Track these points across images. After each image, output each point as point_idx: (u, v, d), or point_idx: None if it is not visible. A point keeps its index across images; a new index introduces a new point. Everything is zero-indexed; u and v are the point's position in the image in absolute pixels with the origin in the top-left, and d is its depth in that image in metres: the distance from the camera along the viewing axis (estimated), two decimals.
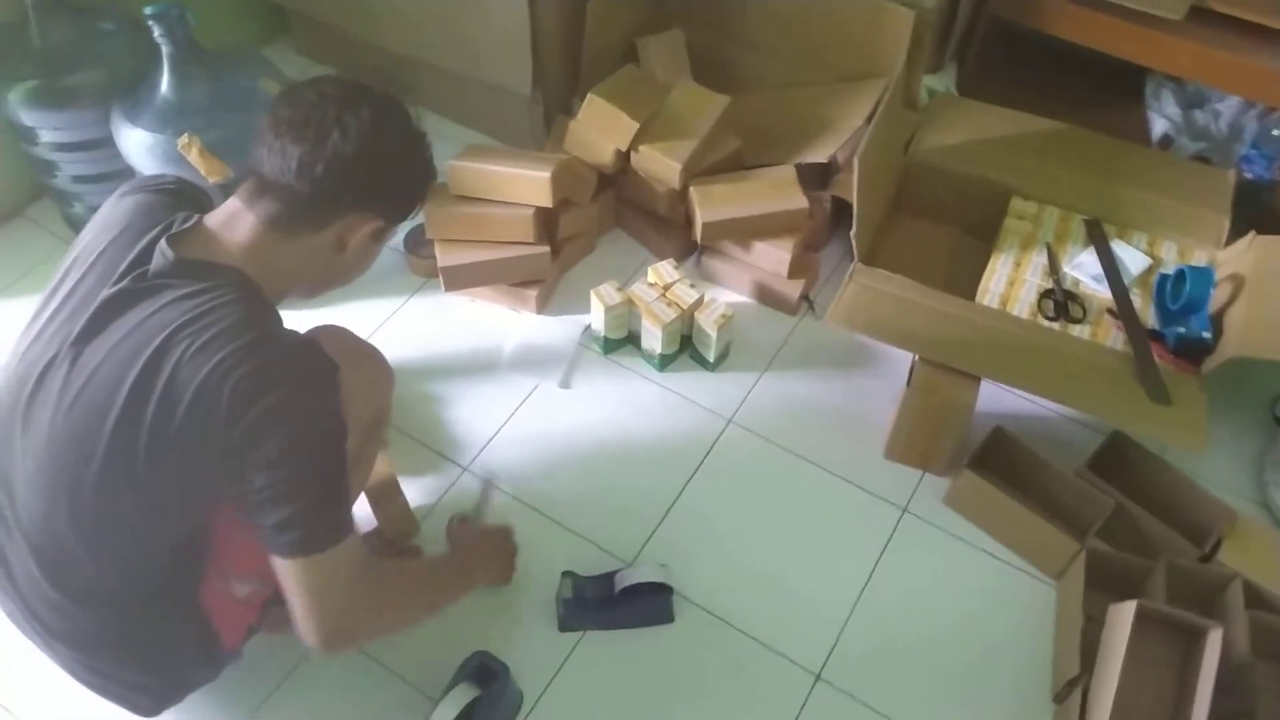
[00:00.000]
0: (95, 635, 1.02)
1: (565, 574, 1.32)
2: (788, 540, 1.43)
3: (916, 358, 1.41)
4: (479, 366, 1.61)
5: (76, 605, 0.99)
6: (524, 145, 1.91)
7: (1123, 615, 1.16)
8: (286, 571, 0.94)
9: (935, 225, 1.79)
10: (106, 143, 1.53)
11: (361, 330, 1.65)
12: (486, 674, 1.20)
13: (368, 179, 1.01)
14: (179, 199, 1.08)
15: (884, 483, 1.49)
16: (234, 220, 1.01)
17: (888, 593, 1.38)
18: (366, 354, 1.18)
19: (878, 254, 1.71)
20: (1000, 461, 1.45)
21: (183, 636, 1.05)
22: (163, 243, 0.95)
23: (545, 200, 1.55)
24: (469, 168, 1.56)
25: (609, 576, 1.32)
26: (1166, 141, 1.87)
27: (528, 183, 1.54)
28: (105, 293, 0.94)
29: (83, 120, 1.53)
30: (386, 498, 1.37)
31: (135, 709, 1.09)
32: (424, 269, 1.71)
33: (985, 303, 1.52)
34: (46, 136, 1.55)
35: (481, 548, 1.33)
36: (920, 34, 1.72)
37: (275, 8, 2.09)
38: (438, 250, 1.60)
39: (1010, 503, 1.36)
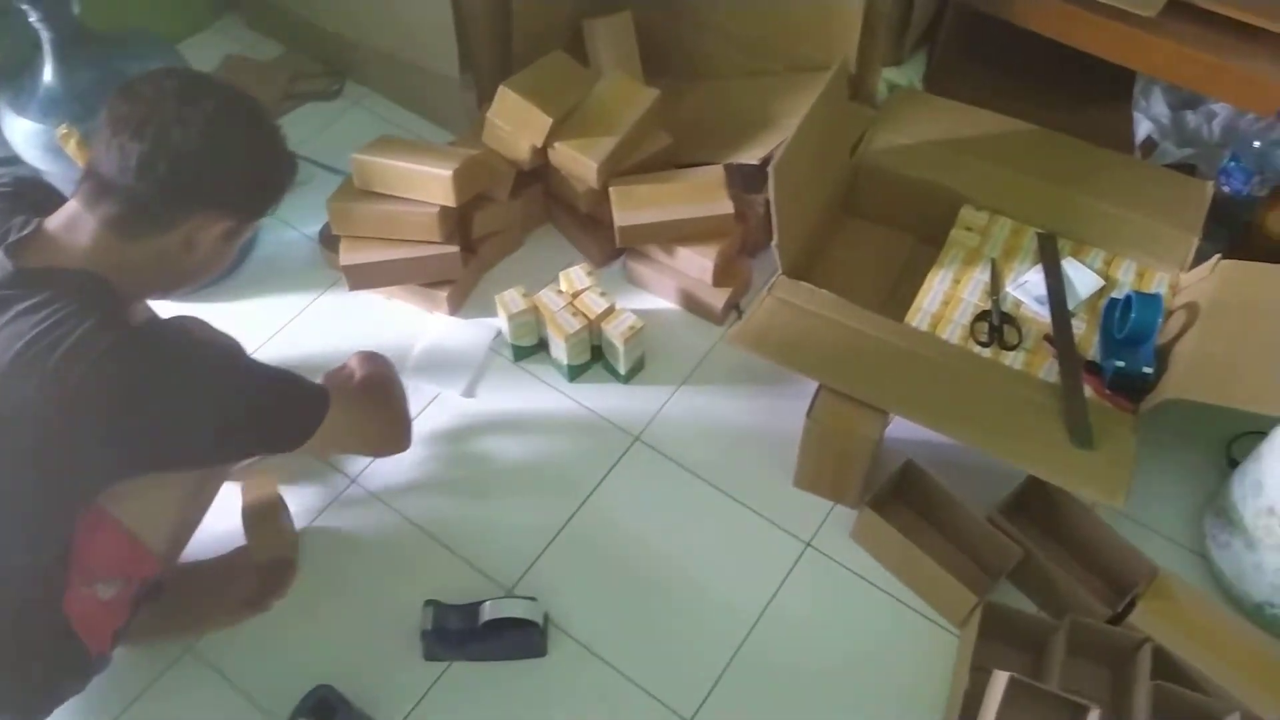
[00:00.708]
0: None
1: (428, 603, 1.26)
2: (682, 572, 1.35)
3: (820, 385, 1.31)
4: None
5: None
6: (458, 129, 1.82)
7: (996, 684, 1.06)
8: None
9: (888, 231, 1.67)
10: None
11: (271, 325, 1.61)
12: (325, 709, 1.15)
13: (214, 177, 0.98)
14: (16, 202, 1.03)
15: (790, 513, 1.40)
16: (75, 224, 0.97)
17: (778, 633, 1.29)
18: (225, 339, 1.16)
19: (819, 261, 1.61)
20: (913, 496, 1.36)
21: (49, 650, 1.02)
22: (0, 254, 0.93)
23: (449, 199, 1.47)
24: (373, 162, 1.49)
25: (474, 607, 1.25)
26: (1150, 146, 1.71)
27: (431, 180, 1.46)
28: None
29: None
30: (264, 519, 1.32)
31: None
32: (336, 263, 1.65)
33: (915, 323, 1.41)
34: None
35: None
36: (873, 24, 1.59)
37: None
38: (341, 247, 1.54)
39: (909, 546, 1.26)
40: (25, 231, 0.97)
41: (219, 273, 1.09)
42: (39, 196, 1.08)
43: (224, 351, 1.08)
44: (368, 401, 1.27)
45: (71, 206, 0.98)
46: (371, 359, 1.35)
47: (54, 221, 0.99)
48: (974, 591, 1.23)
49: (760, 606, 1.32)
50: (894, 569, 1.33)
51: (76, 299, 0.93)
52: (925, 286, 1.46)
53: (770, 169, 1.35)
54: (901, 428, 1.31)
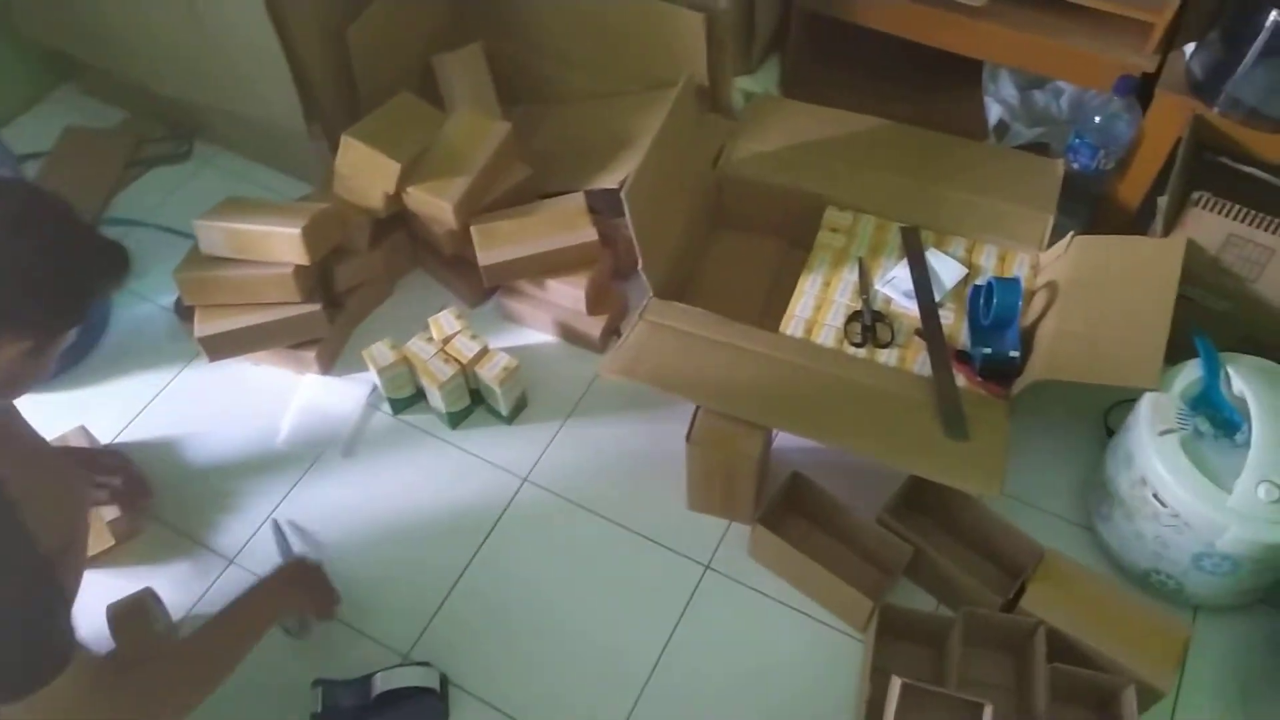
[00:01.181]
0: None
1: (316, 682, 1.20)
2: (582, 612, 1.32)
3: (699, 406, 1.29)
4: (255, 440, 1.48)
5: None
6: (316, 180, 1.76)
7: (893, 690, 1.06)
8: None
9: (760, 238, 1.67)
10: None
11: (132, 406, 1.52)
12: None
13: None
14: None
15: (687, 538, 1.38)
16: None
17: (685, 661, 1.27)
18: (53, 465, 1.10)
19: (693, 277, 1.60)
20: (805, 505, 1.35)
21: None
22: None
23: (301, 258, 1.41)
24: (217, 226, 1.42)
25: (366, 681, 1.20)
26: (1002, 129, 1.75)
27: (280, 239, 1.40)
28: None
29: None
30: (132, 618, 1.22)
31: None
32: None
33: (790, 330, 1.41)
34: None
35: (290, 572, 1.22)
36: (719, 36, 1.59)
37: (58, 52, 1.92)
38: (196, 318, 1.47)
39: (803, 558, 1.25)
40: None
41: (37, 384, 0.99)
42: None
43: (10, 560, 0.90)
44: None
45: None
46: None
47: None
48: (871, 595, 1.22)
49: (664, 636, 1.29)
50: (794, 581, 1.32)
51: None
52: (797, 292, 1.46)
53: (623, 194, 1.33)
54: (788, 436, 1.30)
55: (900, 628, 1.21)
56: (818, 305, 1.44)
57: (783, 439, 1.40)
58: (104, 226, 1.76)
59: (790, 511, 1.36)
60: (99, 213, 1.77)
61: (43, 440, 1.12)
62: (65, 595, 0.98)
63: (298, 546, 1.37)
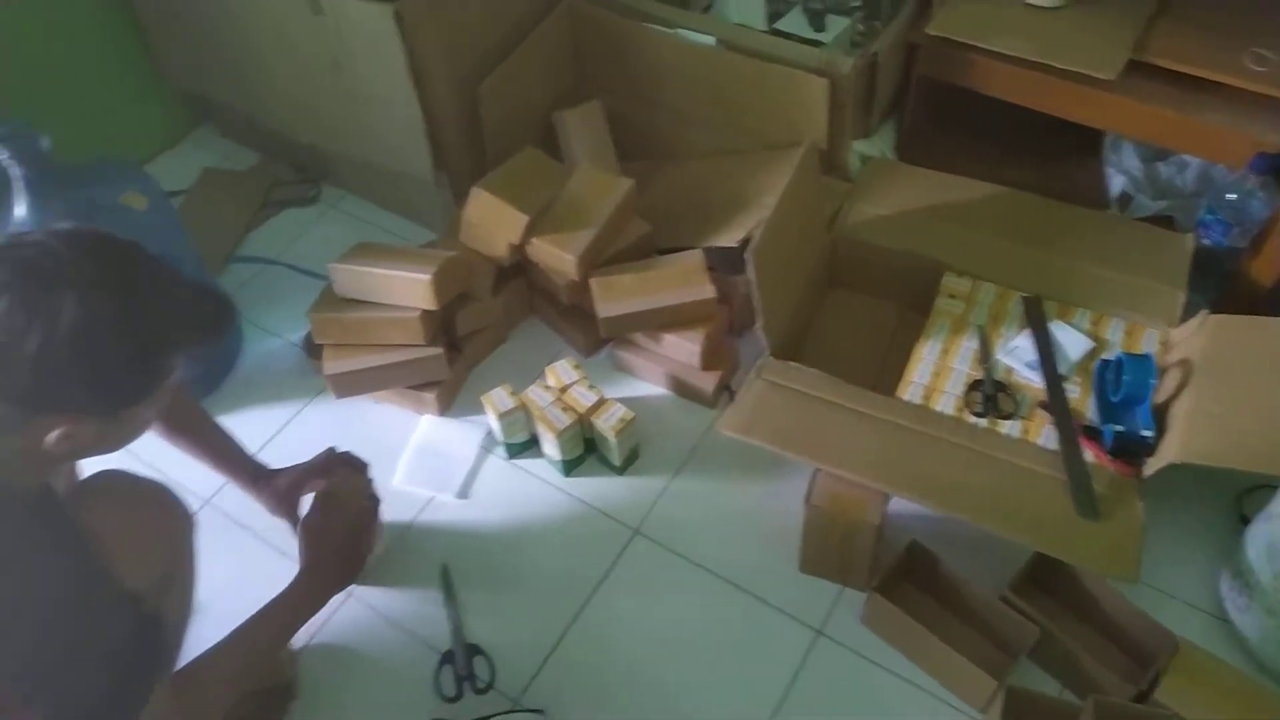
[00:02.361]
0: None
1: None
2: (692, 666, 1.31)
3: (817, 468, 1.29)
4: (376, 477, 1.52)
5: None
6: (439, 228, 1.83)
7: None
8: None
9: (875, 300, 1.67)
10: None
11: (259, 437, 1.58)
12: None
13: (71, 383, 0.80)
14: None
15: (799, 600, 1.37)
16: None
17: None
18: (149, 500, 1.06)
19: (808, 335, 1.60)
20: (921, 575, 1.32)
21: None
22: None
23: (429, 303, 1.46)
24: (350, 269, 1.48)
25: None
26: (1125, 200, 1.72)
27: (410, 284, 1.45)
28: None
29: None
30: None
31: None
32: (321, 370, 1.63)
33: (907, 396, 1.39)
34: None
35: (326, 550, 1.19)
36: (840, 100, 1.61)
37: (199, 95, 2.04)
38: (324, 356, 1.52)
39: (922, 631, 1.22)
40: None
41: (138, 434, 0.94)
42: None
43: (97, 621, 0.89)
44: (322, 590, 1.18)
45: None
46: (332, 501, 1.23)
47: None
48: (993, 674, 1.19)
49: (775, 702, 1.27)
50: (910, 654, 1.29)
51: None
52: (914, 357, 1.45)
53: (749, 254, 1.34)
54: (902, 503, 1.29)
55: (1024, 713, 1.18)
56: (936, 372, 1.42)
57: (897, 505, 1.37)
58: (237, 264, 1.84)
59: (905, 581, 1.34)
60: (232, 251, 1.85)
61: (145, 481, 1.08)
62: (154, 640, 0.95)
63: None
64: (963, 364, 1.43)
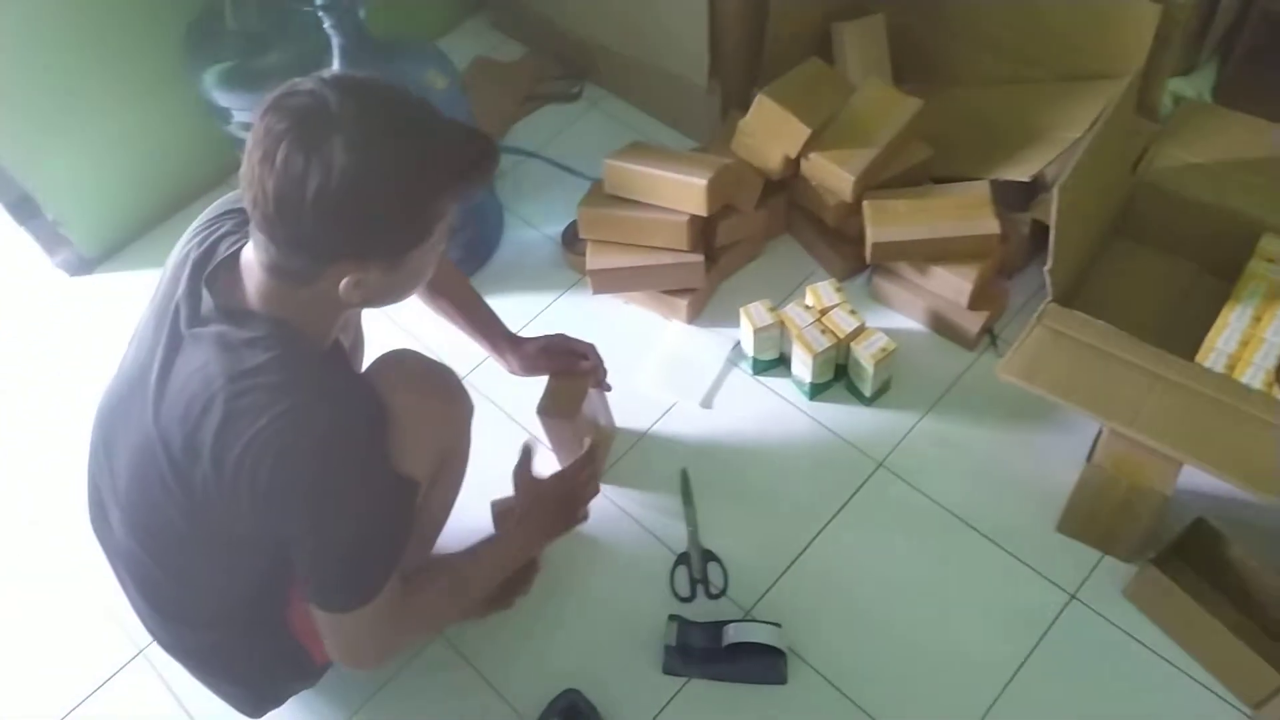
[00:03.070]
0: (187, 649, 1.07)
1: (672, 617, 1.25)
2: (930, 611, 1.28)
3: (1104, 427, 1.20)
4: (619, 376, 1.54)
5: (166, 621, 1.04)
6: (700, 136, 1.81)
7: None
8: (314, 613, 0.95)
9: (1165, 257, 1.52)
10: None
11: (512, 324, 1.63)
12: (575, 714, 1.16)
13: (355, 227, 0.82)
14: (247, 219, 0.94)
15: (1052, 560, 1.30)
16: (251, 262, 0.89)
17: (1039, 689, 1.20)
18: (438, 386, 1.09)
19: (1085, 285, 1.49)
20: (1200, 557, 1.23)
21: (272, 656, 1.07)
22: (203, 288, 0.91)
23: (700, 208, 1.44)
24: (625, 168, 1.48)
25: (718, 627, 1.23)
26: None
27: (683, 188, 1.44)
28: (165, 333, 0.92)
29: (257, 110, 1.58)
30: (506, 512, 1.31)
31: (237, 710, 1.14)
32: (579, 265, 1.66)
33: (1208, 364, 1.27)
34: (239, 116, 1.62)
35: (538, 509, 1.18)
36: (1168, 31, 1.45)
37: None
38: (588, 252, 1.55)
39: (1200, 612, 1.14)
40: (227, 255, 0.92)
41: (422, 283, 0.96)
42: None
43: (379, 489, 0.94)
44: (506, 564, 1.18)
45: (254, 238, 0.87)
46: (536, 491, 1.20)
47: (247, 251, 0.90)
48: (1277, 669, 1.09)
49: (1019, 659, 1.23)
50: (1176, 635, 1.21)
51: (265, 348, 0.87)
52: (1219, 323, 1.32)
53: (1056, 188, 1.24)
54: (1187, 478, 1.19)
55: None
56: (1244, 341, 1.29)
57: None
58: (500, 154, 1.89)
59: (1179, 559, 1.24)
60: (498, 140, 1.90)
61: (436, 365, 1.11)
62: (410, 524, 1.00)
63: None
64: (1276, 335, 1.29)
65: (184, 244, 0.99)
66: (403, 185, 0.81)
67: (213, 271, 0.92)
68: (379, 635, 0.98)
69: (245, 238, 0.92)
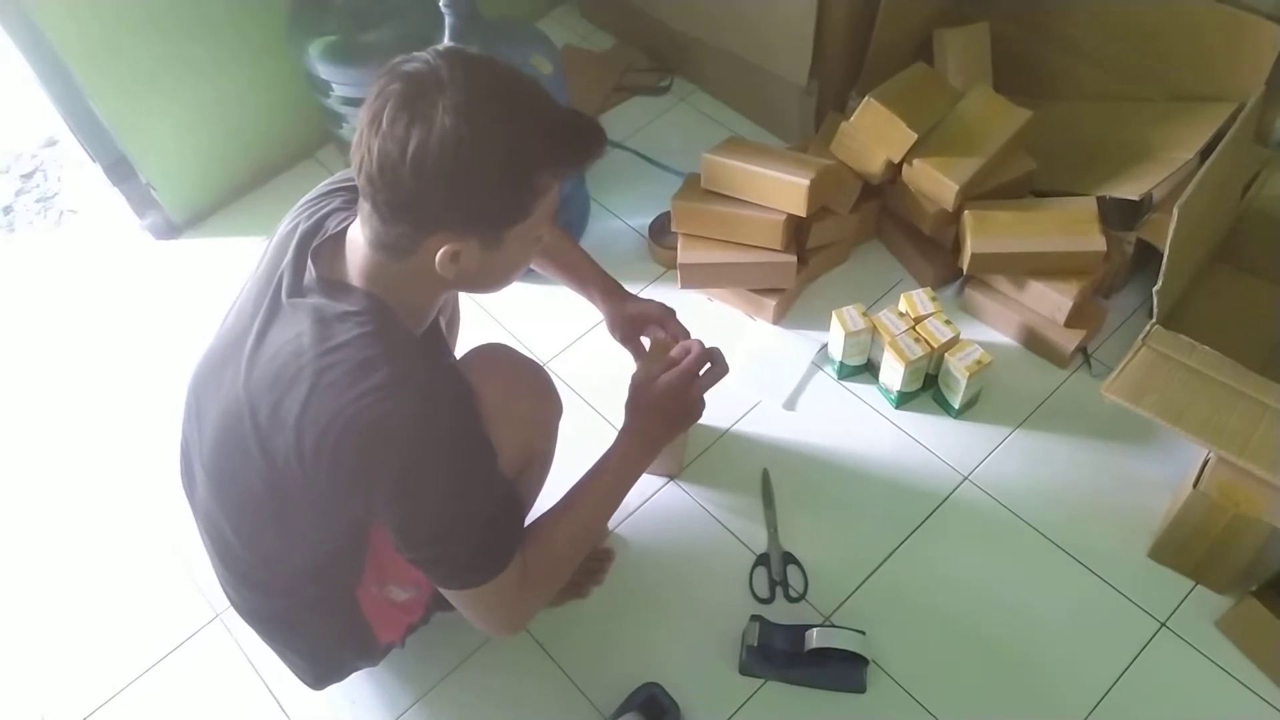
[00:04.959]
0: (257, 614, 1.08)
1: (754, 617, 1.24)
2: (1014, 630, 1.26)
3: (1211, 454, 1.18)
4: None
5: (239, 585, 1.05)
6: (791, 137, 1.80)
7: None
8: (448, 593, 0.94)
9: (1269, 285, 1.49)
10: None
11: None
12: (655, 708, 1.15)
13: (456, 197, 0.81)
14: (356, 197, 0.94)
15: (1143, 586, 1.28)
16: (357, 237, 0.89)
17: (1125, 716, 1.18)
18: (529, 384, 1.08)
19: (1185, 310, 1.45)
20: None
21: (339, 631, 1.08)
22: (309, 260, 0.91)
23: (799, 209, 1.43)
24: (723, 163, 1.48)
25: (800, 630, 1.22)
26: None
27: (784, 187, 1.43)
28: (266, 301, 0.92)
29: (371, 78, 1.57)
30: None
31: (299, 679, 1.15)
32: (665, 259, 1.66)
33: None
34: (338, 90, 1.63)
35: (652, 410, 1.07)
36: None
37: None
38: (680, 245, 1.54)
39: None
40: (335, 231, 0.92)
41: (519, 273, 0.95)
42: None
43: (475, 463, 0.93)
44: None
45: (361, 210, 0.87)
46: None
47: (353, 227, 0.90)
48: None
49: (1105, 685, 1.20)
50: (1272, 672, 1.18)
51: (361, 322, 0.87)
52: None
53: (1177, 208, 1.22)
54: None
55: None
56: None
57: None
58: None
59: (1277, 594, 1.21)
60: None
61: (528, 362, 1.10)
62: (521, 503, 1.01)
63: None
64: None
65: (293, 216, 0.99)
66: (501, 152, 0.80)
67: (320, 244, 0.92)
68: (514, 601, 0.96)
69: (354, 214, 0.91)
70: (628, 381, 1.23)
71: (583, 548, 1.07)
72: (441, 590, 0.94)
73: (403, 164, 0.77)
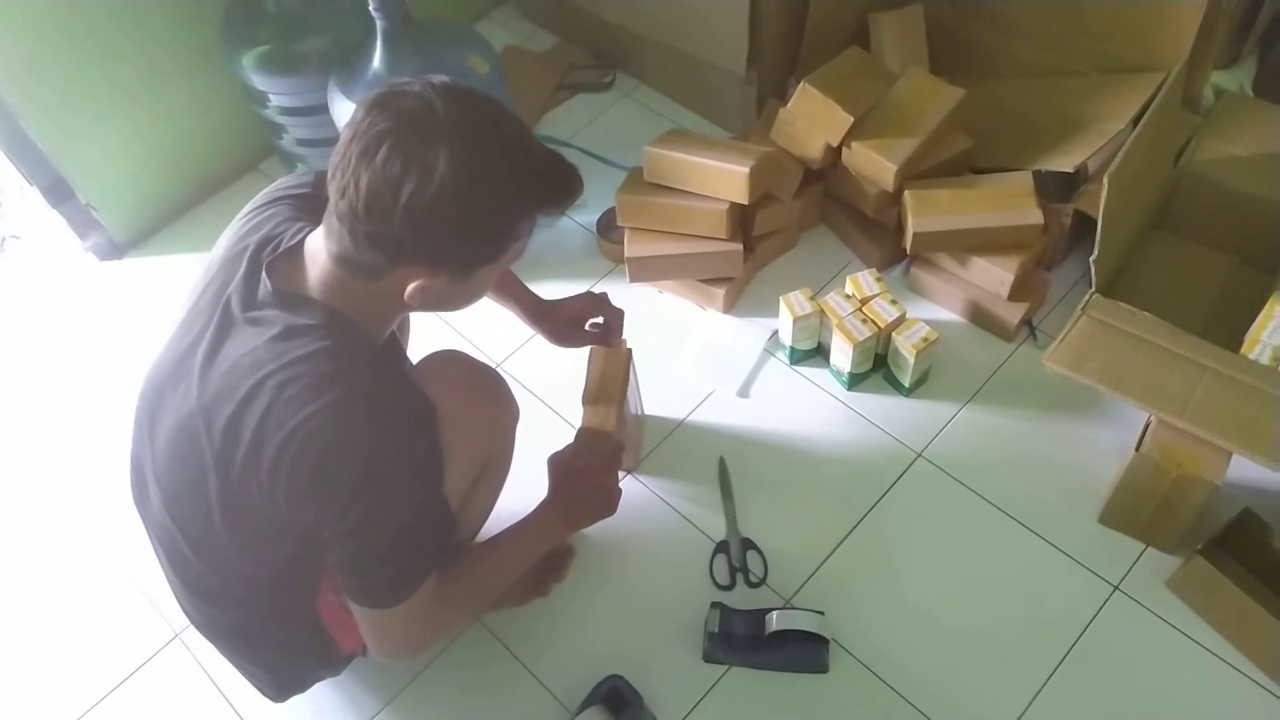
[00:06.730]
0: (214, 627, 1.07)
1: (714, 604, 1.24)
2: (972, 602, 1.28)
3: (1152, 417, 1.20)
4: (656, 364, 1.54)
5: (195, 598, 1.03)
6: (734, 126, 1.81)
7: None
8: (351, 607, 0.95)
9: (1206, 250, 1.52)
10: (328, 109, 1.57)
11: None
12: (618, 700, 1.16)
13: (440, 235, 0.82)
14: (304, 205, 0.99)
15: (1095, 552, 1.30)
16: (318, 250, 0.89)
17: (1082, 680, 1.20)
18: (484, 390, 1.09)
19: (1126, 278, 1.48)
20: (1244, 549, 1.22)
21: (299, 642, 1.07)
22: (263, 272, 0.90)
23: (741, 196, 1.44)
24: (665, 155, 1.48)
25: (761, 614, 1.23)
26: None
27: (725, 176, 1.44)
28: (216, 315, 0.91)
29: (308, 86, 1.58)
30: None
31: (260, 692, 1.14)
32: (613, 254, 1.66)
33: (1254, 356, 1.27)
34: (275, 100, 1.62)
35: (573, 495, 1.13)
36: (1212, 23, 1.45)
37: None
38: (626, 239, 1.54)
39: (1247, 603, 1.13)
40: (291, 243, 0.92)
41: (479, 297, 0.96)
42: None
43: (422, 487, 0.94)
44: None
45: (325, 225, 0.87)
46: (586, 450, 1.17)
47: (312, 240, 0.90)
48: None
49: (1063, 649, 1.22)
50: (1221, 627, 1.20)
51: (319, 336, 0.87)
52: (1264, 315, 1.30)
53: (1106, 178, 1.24)
54: (1231, 470, 1.18)
55: None
56: None
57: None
58: None
59: (1223, 552, 1.24)
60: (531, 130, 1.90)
61: (482, 367, 1.11)
62: (453, 524, 1.01)
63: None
64: None
65: (239, 227, 0.98)
66: (495, 206, 0.82)
67: (275, 258, 0.91)
68: (415, 629, 0.98)
69: (308, 225, 0.91)
70: (582, 376, 1.26)
71: (490, 594, 1.08)
72: (351, 603, 0.95)
73: (394, 207, 0.78)
